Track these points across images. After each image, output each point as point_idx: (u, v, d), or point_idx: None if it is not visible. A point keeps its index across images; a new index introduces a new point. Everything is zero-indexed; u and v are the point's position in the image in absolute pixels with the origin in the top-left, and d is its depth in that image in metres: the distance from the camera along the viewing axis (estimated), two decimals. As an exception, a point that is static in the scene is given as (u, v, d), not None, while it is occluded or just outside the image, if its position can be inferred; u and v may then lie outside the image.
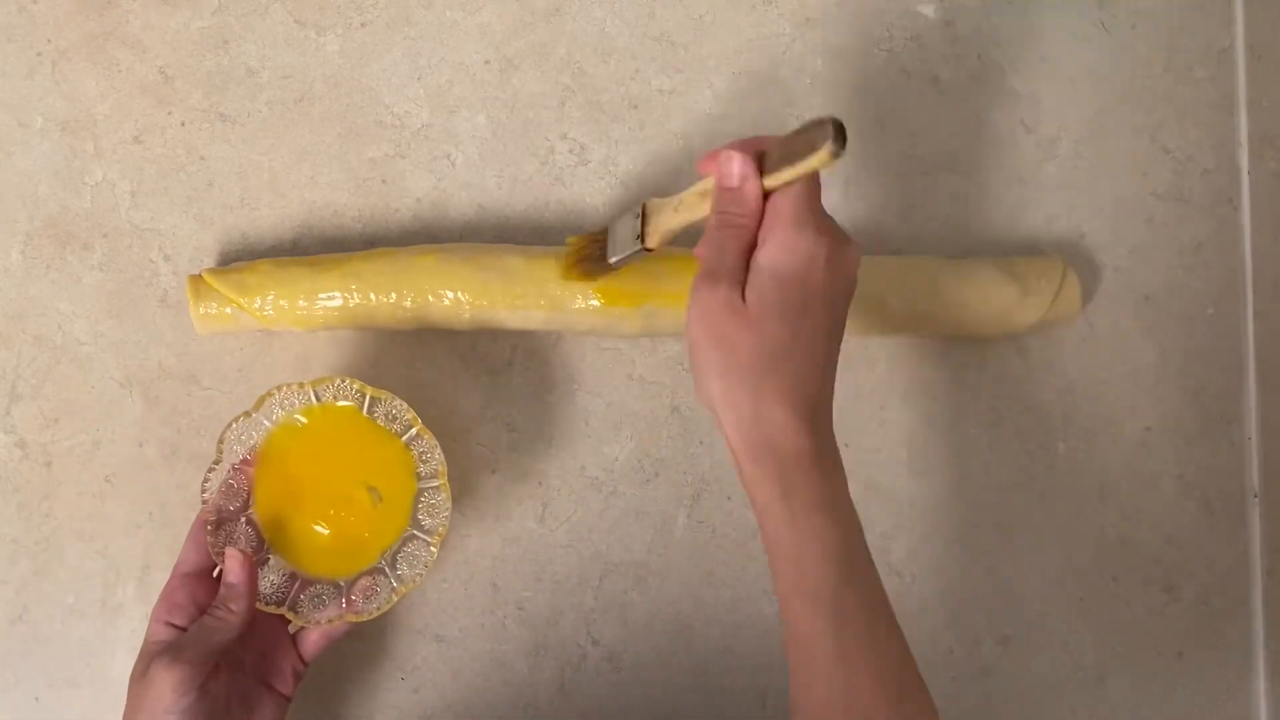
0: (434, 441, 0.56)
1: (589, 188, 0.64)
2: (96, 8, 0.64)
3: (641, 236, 0.54)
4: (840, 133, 0.44)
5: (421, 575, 0.55)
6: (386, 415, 0.56)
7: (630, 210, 0.56)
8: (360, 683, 0.61)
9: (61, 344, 0.63)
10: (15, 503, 0.62)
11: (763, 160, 0.48)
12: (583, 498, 0.63)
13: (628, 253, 0.55)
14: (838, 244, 0.47)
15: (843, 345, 0.63)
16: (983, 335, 0.63)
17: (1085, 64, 0.66)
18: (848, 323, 0.60)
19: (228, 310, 0.60)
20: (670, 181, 0.64)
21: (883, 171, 0.65)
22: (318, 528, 0.56)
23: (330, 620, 0.55)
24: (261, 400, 0.56)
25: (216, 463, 0.55)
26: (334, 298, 0.59)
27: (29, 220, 0.63)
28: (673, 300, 0.59)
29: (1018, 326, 0.62)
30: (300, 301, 0.59)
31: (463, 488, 0.62)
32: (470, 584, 0.62)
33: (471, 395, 0.63)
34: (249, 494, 0.56)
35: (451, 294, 0.59)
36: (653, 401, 0.63)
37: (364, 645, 0.61)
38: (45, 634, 0.61)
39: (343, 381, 0.56)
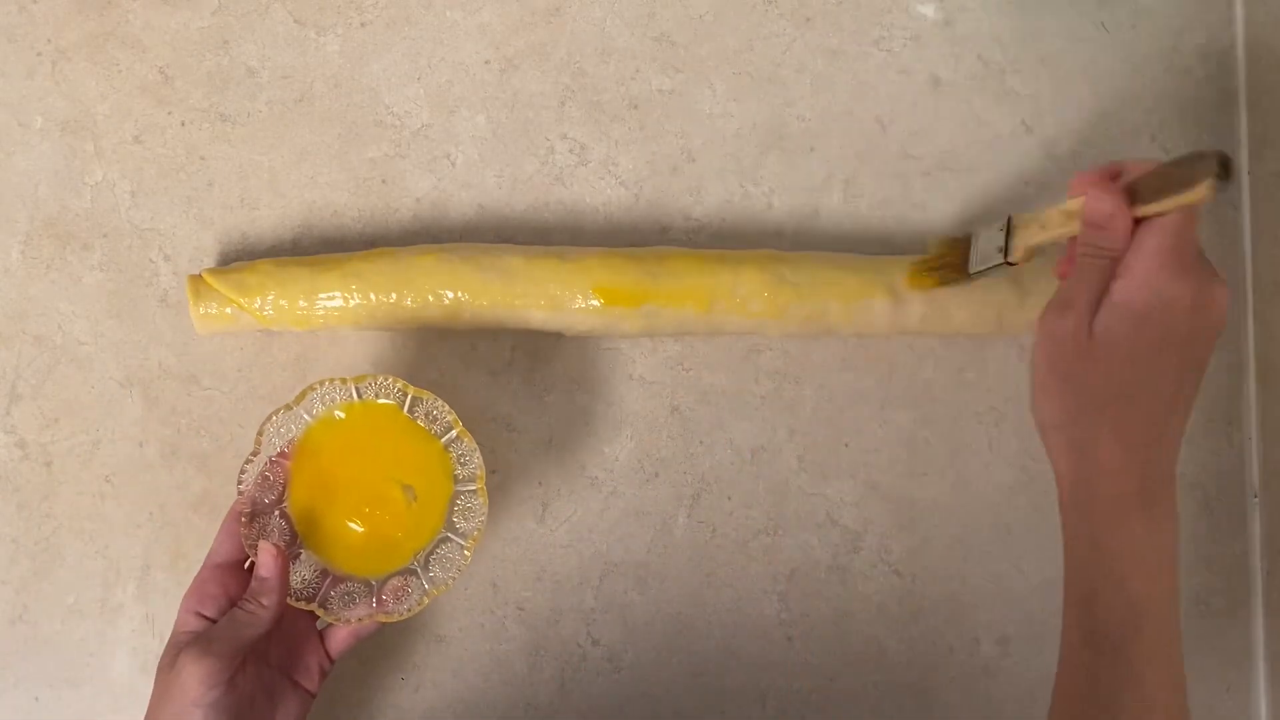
0: (474, 445, 0.55)
1: (589, 188, 0.64)
2: (96, 8, 0.64)
3: (1005, 250, 0.54)
4: (1225, 167, 0.43)
5: (454, 578, 0.55)
6: (427, 415, 0.56)
7: (995, 223, 0.55)
8: (360, 683, 0.61)
9: (61, 344, 0.63)
10: (15, 503, 0.62)
11: (1134, 190, 0.46)
12: (583, 498, 0.63)
13: (990, 264, 0.55)
14: (1204, 284, 0.45)
15: (844, 344, 0.64)
16: (983, 335, 0.63)
17: (1085, 64, 0.66)
18: (848, 323, 0.61)
19: (228, 310, 0.60)
20: (670, 182, 0.64)
21: (883, 171, 0.65)
22: (351, 525, 0.56)
23: (360, 619, 0.55)
24: (303, 394, 0.55)
25: (254, 454, 0.55)
26: (334, 298, 0.59)
27: (29, 220, 0.63)
28: (673, 300, 0.59)
29: (1018, 326, 0.62)
30: (300, 301, 0.59)
31: (463, 488, 0.62)
32: (470, 584, 0.62)
33: (471, 395, 0.63)
34: (284, 487, 0.56)
35: (451, 294, 0.59)
36: (653, 401, 0.63)
37: (364, 645, 0.61)
38: (45, 634, 0.61)
39: (385, 379, 0.56)
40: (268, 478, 0.55)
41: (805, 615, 0.62)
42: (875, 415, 0.64)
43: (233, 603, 0.53)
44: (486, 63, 0.65)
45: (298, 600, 0.54)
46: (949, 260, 0.58)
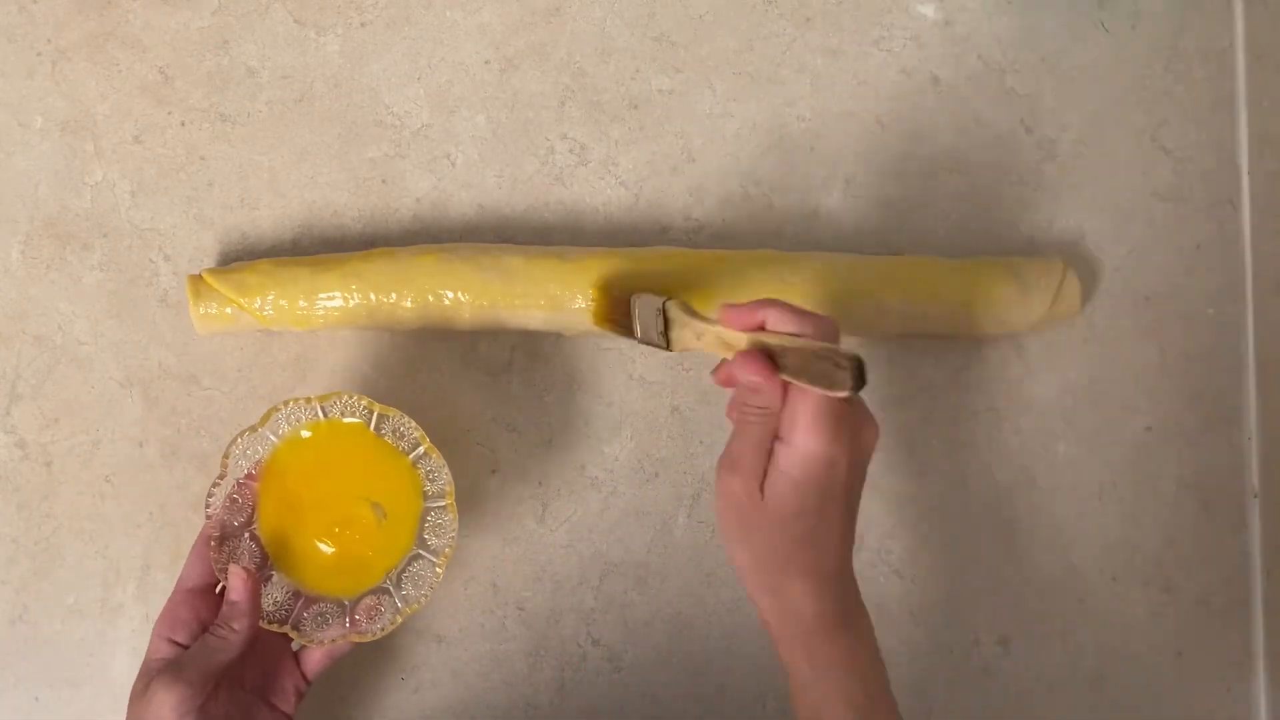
0: (441, 461, 0.55)
1: (589, 188, 0.64)
2: (96, 8, 0.64)
3: (666, 340, 0.54)
4: (859, 377, 0.45)
5: (427, 596, 0.55)
6: (394, 432, 0.56)
7: (654, 302, 0.55)
8: (360, 683, 0.61)
9: (61, 344, 0.63)
10: (15, 503, 0.62)
11: (778, 357, 0.48)
12: (583, 498, 0.63)
13: (651, 343, 0.55)
14: (856, 437, 0.49)
15: (842, 345, 0.64)
16: (983, 335, 0.63)
17: (1085, 64, 0.66)
18: (849, 323, 0.61)
19: (228, 310, 0.60)
20: (670, 182, 0.64)
21: (883, 171, 0.65)
22: (322, 545, 0.55)
23: (333, 640, 0.54)
24: (268, 415, 0.55)
25: (221, 477, 0.55)
26: (334, 298, 0.59)
27: (29, 220, 0.63)
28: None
29: (1018, 326, 0.62)
30: (300, 301, 0.59)
31: (462, 488, 0.62)
32: (470, 584, 0.62)
33: (471, 395, 0.63)
34: (253, 509, 0.55)
35: (451, 294, 0.59)
36: (653, 401, 0.63)
37: (364, 645, 0.61)
38: (45, 634, 0.61)
39: (350, 398, 0.55)
40: (236, 500, 0.55)
41: (805, 615, 0.62)
42: (875, 415, 0.64)
43: (204, 627, 0.53)
44: (486, 63, 0.65)
45: (270, 623, 0.54)
46: (615, 316, 0.57)
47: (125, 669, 0.61)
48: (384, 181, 0.64)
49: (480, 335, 0.63)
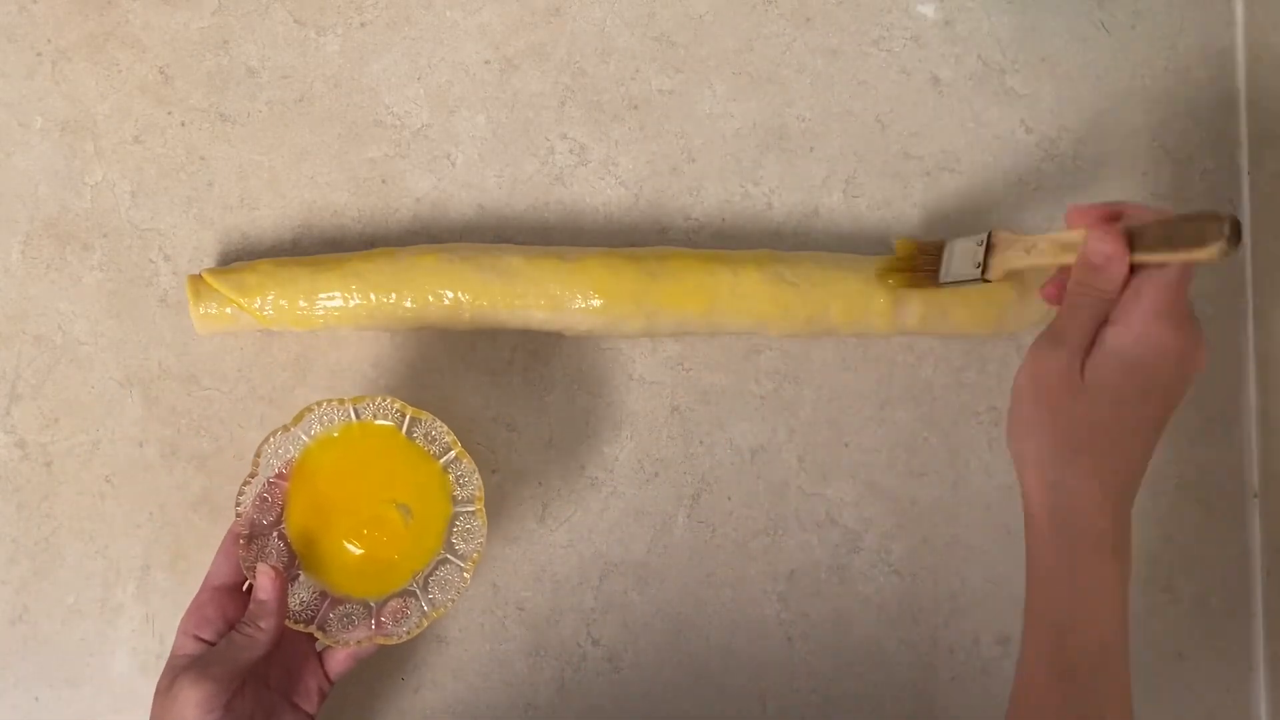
0: (473, 466, 0.55)
1: (589, 188, 0.64)
2: (96, 8, 0.64)
3: (984, 267, 0.53)
4: (1236, 233, 0.43)
5: (454, 600, 0.55)
6: (426, 436, 0.56)
7: (975, 236, 0.55)
8: (360, 683, 0.61)
9: (61, 344, 0.63)
10: (15, 503, 0.62)
11: (1135, 236, 0.47)
12: (583, 498, 0.63)
13: (963, 278, 0.54)
14: (1192, 342, 0.47)
15: (844, 344, 0.64)
16: (983, 335, 0.63)
17: (1085, 64, 0.66)
18: (848, 323, 0.61)
19: (228, 310, 0.60)
20: (670, 182, 0.64)
21: (883, 171, 0.65)
22: (350, 546, 0.55)
23: (359, 642, 0.54)
24: (301, 415, 0.55)
25: (252, 475, 0.55)
26: (334, 298, 0.59)
27: (29, 220, 0.63)
28: (672, 300, 0.59)
29: (1018, 326, 0.62)
30: (300, 301, 0.59)
31: (463, 488, 0.62)
32: (470, 585, 0.62)
33: (471, 395, 0.63)
34: (282, 509, 0.55)
35: (451, 294, 0.59)
36: (653, 401, 0.63)
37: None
38: (45, 634, 0.61)
39: (384, 400, 0.55)
40: (266, 499, 0.55)
41: (805, 615, 0.63)
42: (875, 415, 0.64)
43: (231, 625, 0.53)
44: (486, 63, 0.65)
45: (296, 622, 0.54)
46: (920, 264, 0.58)
47: (125, 669, 0.61)
48: (384, 181, 0.64)
49: (480, 335, 0.63)
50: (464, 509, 0.55)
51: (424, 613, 0.55)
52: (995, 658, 0.63)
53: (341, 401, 0.55)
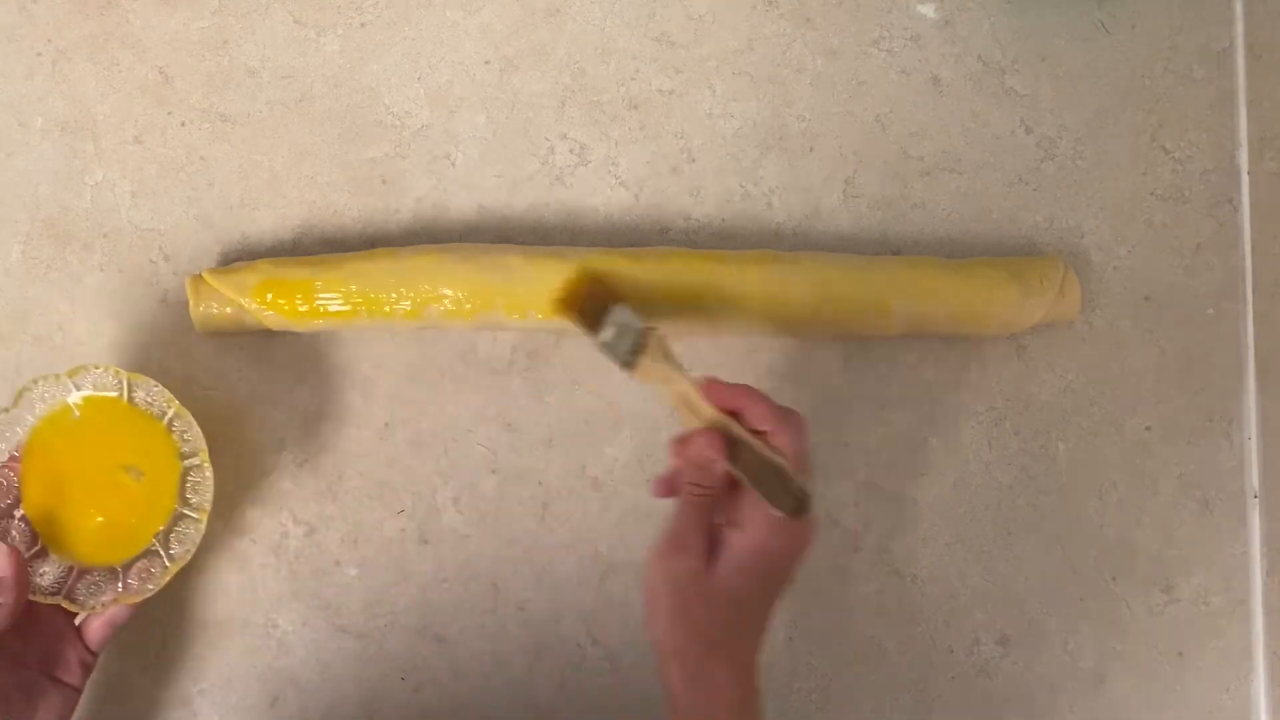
0: (190, 420, 0.57)
1: (589, 188, 0.64)
2: (96, 8, 0.64)
3: (633, 362, 0.53)
4: (799, 509, 0.48)
5: (191, 551, 0.56)
6: (146, 399, 0.57)
7: (637, 321, 0.53)
8: (360, 683, 0.61)
9: (61, 344, 0.63)
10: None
11: (737, 448, 0.50)
12: (583, 498, 0.63)
13: (613, 355, 0.53)
14: (806, 531, 0.50)
15: (844, 344, 0.64)
16: (983, 335, 0.63)
17: (1085, 64, 0.66)
18: (847, 323, 0.61)
19: (228, 310, 0.60)
20: (670, 182, 0.64)
21: (883, 171, 0.65)
22: (90, 516, 0.56)
23: (105, 605, 0.55)
24: (19, 395, 0.56)
25: None
26: (334, 298, 0.59)
27: (29, 220, 0.63)
28: (673, 300, 0.59)
29: (1018, 326, 0.62)
30: (300, 301, 0.59)
31: (463, 488, 0.62)
32: (470, 584, 0.62)
33: (471, 395, 0.63)
34: (18, 491, 0.56)
35: (451, 294, 0.59)
36: (653, 401, 0.63)
37: (364, 645, 0.61)
38: (45, 634, 0.61)
39: (100, 369, 0.56)
40: (0, 484, 0.56)
41: (805, 615, 0.62)
42: (875, 415, 0.64)
43: None
44: (486, 63, 0.65)
45: (43, 595, 0.55)
46: (586, 307, 0.55)
47: (125, 669, 0.61)
48: (384, 181, 0.64)
49: (480, 335, 0.63)
50: (191, 462, 0.57)
51: (165, 568, 0.56)
52: (995, 658, 0.63)
53: (58, 376, 0.56)
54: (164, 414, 0.57)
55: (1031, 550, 0.63)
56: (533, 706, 0.62)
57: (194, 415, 0.56)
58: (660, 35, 0.65)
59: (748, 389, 0.51)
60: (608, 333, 0.54)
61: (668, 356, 0.53)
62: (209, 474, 0.57)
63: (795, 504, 0.48)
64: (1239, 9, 0.67)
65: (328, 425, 0.62)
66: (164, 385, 0.56)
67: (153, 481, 0.57)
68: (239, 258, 0.63)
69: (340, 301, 0.59)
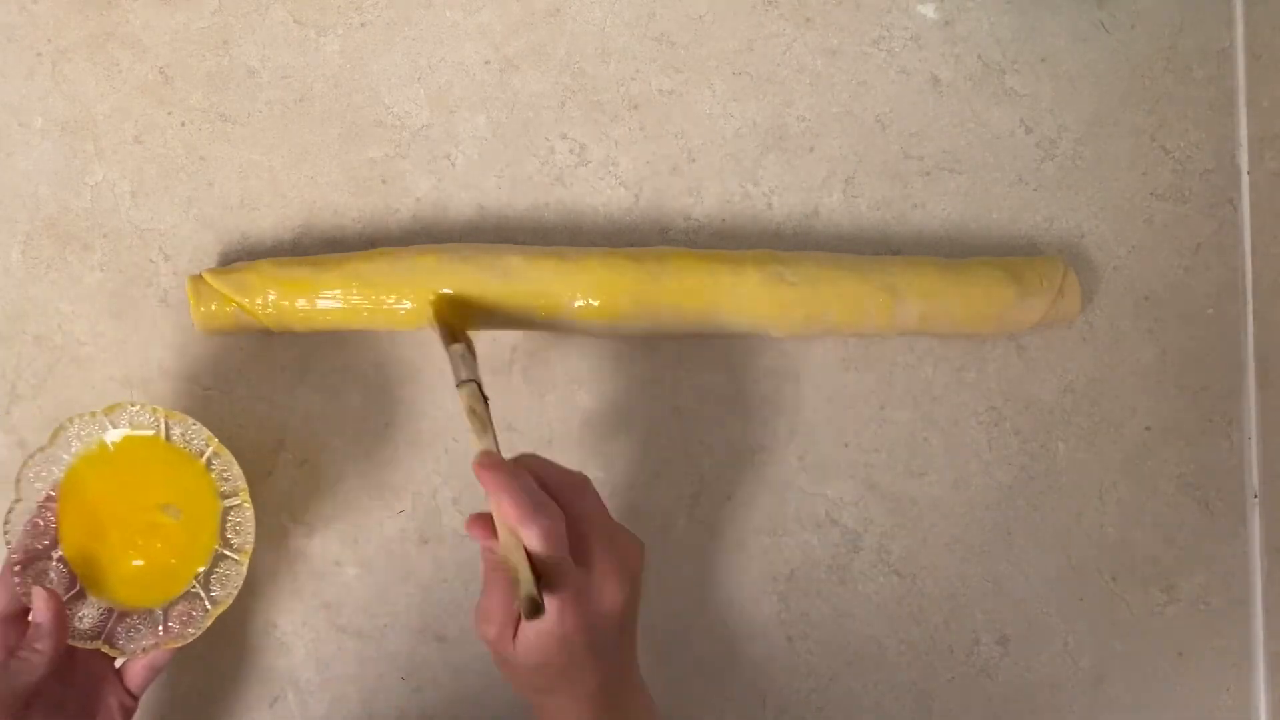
0: (231, 459, 0.55)
1: (589, 188, 0.64)
2: (96, 8, 0.64)
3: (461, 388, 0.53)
4: (531, 612, 0.46)
5: (233, 593, 0.55)
6: (184, 437, 0.56)
7: (466, 368, 0.53)
8: (360, 683, 0.61)
9: (61, 344, 0.63)
10: (15, 503, 0.62)
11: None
12: (583, 498, 0.63)
13: (456, 375, 0.53)
14: (628, 557, 0.50)
15: (844, 344, 0.64)
16: (983, 335, 0.63)
17: (1085, 64, 0.66)
18: (848, 323, 0.61)
19: (228, 310, 0.60)
20: (670, 182, 0.64)
21: (883, 171, 0.65)
22: (129, 558, 0.55)
23: (146, 649, 0.54)
24: (56, 434, 0.55)
25: (17, 500, 0.54)
26: (334, 298, 0.59)
27: (29, 220, 0.63)
28: (672, 300, 0.59)
29: (1018, 326, 0.62)
30: (300, 301, 0.59)
31: (463, 488, 0.62)
32: (470, 584, 0.62)
33: (471, 395, 0.63)
34: (56, 531, 0.55)
35: (451, 294, 0.59)
36: (653, 401, 0.63)
37: (364, 645, 0.61)
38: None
39: (137, 407, 0.55)
40: (38, 524, 0.55)
41: (805, 615, 0.63)
42: (875, 415, 0.64)
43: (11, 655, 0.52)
44: (486, 63, 0.65)
45: (83, 640, 0.54)
46: (452, 321, 0.57)
47: (125, 669, 0.61)
48: (384, 181, 0.64)
49: (480, 335, 0.63)
50: (231, 502, 0.56)
51: (207, 611, 0.55)
52: (995, 658, 0.63)
53: (93, 414, 0.55)
54: (202, 453, 0.56)
55: (1031, 550, 0.63)
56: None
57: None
58: (660, 35, 0.65)
59: (504, 477, 0.49)
60: (452, 359, 0.54)
61: (473, 413, 0.52)
62: (250, 513, 0.55)
63: (529, 607, 0.46)
64: (1239, 9, 0.67)
65: (328, 425, 0.62)
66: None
67: (192, 521, 0.55)
68: (239, 258, 0.63)
69: (340, 301, 0.59)
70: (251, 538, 0.55)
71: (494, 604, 0.49)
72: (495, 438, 0.51)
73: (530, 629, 0.48)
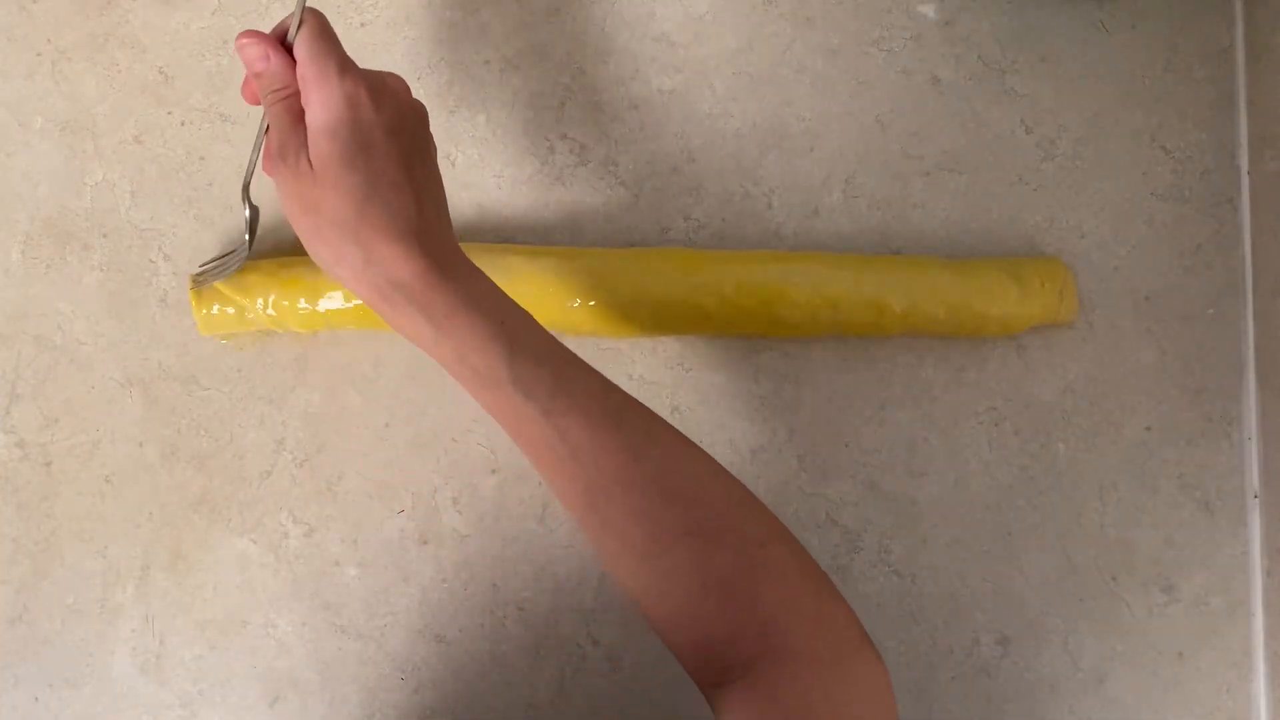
0: None
1: (589, 188, 0.64)
2: (96, 8, 0.64)
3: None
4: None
5: None
6: None
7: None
8: (360, 683, 0.61)
9: (61, 344, 0.63)
10: (15, 503, 0.62)
11: (284, 31, 0.50)
12: (583, 498, 0.63)
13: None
14: (372, 79, 0.49)
15: (843, 344, 0.64)
16: (982, 335, 0.63)
17: (1085, 64, 0.66)
18: (847, 323, 0.61)
19: (230, 311, 0.60)
20: (670, 182, 0.64)
21: (883, 171, 0.65)
22: None
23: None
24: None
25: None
26: (335, 298, 0.59)
27: (29, 220, 0.63)
28: (673, 300, 0.59)
29: (1018, 326, 0.62)
30: (301, 302, 0.59)
31: (463, 488, 0.62)
32: (470, 584, 0.62)
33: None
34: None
35: (451, 294, 0.59)
36: (653, 401, 0.63)
37: (364, 645, 0.61)
38: (45, 634, 0.61)
39: None
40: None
41: (805, 615, 0.62)
42: (875, 415, 0.64)
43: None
44: (486, 63, 0.65)
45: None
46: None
47: (125, 669, 0.61)
48: (384, 181, 0.64)
49: (480, 335, 0.63)
50: None
51: None
52: (995, 658, 0.63)
53: None
54: None
55: (1031, 550, 0.63)
56: (533, 706, 0.62)
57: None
58: (660, 35, 0.65)
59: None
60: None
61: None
62: None
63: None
64: (1239, 9, 0.67)
65: (328, 425, 0.62)
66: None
67: None
68: (239, 258, 0.63)
69: (341, 301, 0.59)
70: None
71: (282, 132, 0.48)
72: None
73: (321, 133, 0.47)
